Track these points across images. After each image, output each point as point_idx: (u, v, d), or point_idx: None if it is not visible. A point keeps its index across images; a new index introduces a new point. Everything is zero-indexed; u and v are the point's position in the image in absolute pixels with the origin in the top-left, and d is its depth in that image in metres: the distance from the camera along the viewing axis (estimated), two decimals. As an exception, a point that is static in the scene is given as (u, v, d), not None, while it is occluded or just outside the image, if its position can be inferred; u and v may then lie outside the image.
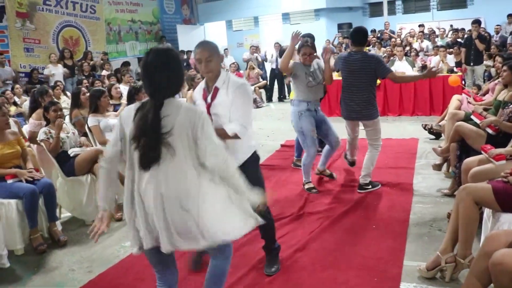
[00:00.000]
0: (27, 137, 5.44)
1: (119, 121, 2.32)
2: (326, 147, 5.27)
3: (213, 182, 2.31)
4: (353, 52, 4.79)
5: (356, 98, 4.73)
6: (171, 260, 2.51)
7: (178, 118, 2.19)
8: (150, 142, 2.16)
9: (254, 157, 3.14)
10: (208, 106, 2.90)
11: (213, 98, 2.93)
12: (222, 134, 2.67)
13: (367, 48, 5.75)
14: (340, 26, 17.54)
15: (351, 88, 4.75)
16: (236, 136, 2.78)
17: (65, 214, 4.92)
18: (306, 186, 5.07)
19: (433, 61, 10.17)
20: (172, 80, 2.25)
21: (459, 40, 11.61)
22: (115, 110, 6.13)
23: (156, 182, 2.19)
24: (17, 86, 9.21)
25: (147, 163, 2.19)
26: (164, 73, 2.22)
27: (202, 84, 3.06)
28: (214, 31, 19.20)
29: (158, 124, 2.16)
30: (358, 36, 4.83)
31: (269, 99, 12.70)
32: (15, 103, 8.11)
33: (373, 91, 4.78)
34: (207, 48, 2.85)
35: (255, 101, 11.23)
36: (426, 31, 13.32)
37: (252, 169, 2.99)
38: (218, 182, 2.32)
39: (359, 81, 4.69)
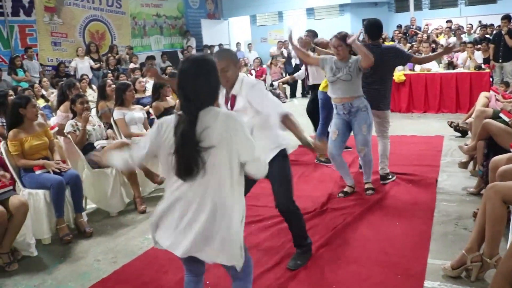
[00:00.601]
0: (56, 132, 5.54)
1: (156, 129, 2.25)
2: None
3: (241, 195, 2.27)
4: (371, 45, 4.75)
5: (372, 89, 4.75)
6: None
7: (217, 128, 2.11)
8: (190, 155, 2.09)
9: (282, 154, 3.18)
10: None
11: (232, 106, 3.04)
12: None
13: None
14: (365, 22, 17.38)
15: (367, 79, 4.73)
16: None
17: (90, 206, 5.00)
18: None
19: (460, 57, 9.98)
20: (208, 90, 2.18)
21: (487, 36, 11.37)
22: (139, 104, 6.19)
23: (195, 191, 2.15)
24: (44, 79, 9.38)
25: (187, 175, 2.12)
26: (200, 82, 2.14)
27: (223, 91, 3.12)
28: (238, 26, 19.25)
29: (196, 136, 2.09)
30: (372, 30, 4.89)
31: (293, 95, 12.68)
32: (42, 96, 8.28)
33: (389, 83, 4.89)
34: (224, 58, 2.93)
35: (278, 96, 11.19)
36: (453, 27, 13.08)
37: (280, 166, 3.10)
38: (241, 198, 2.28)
39: (376, 73, 4.71)
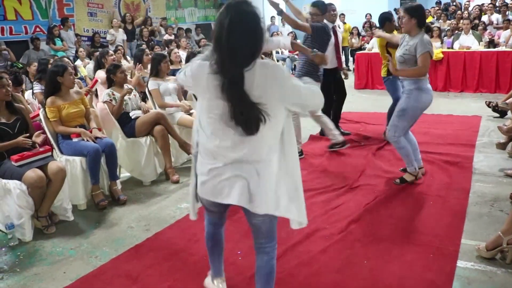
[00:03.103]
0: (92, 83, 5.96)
1: (192, 78, 2.15)
2: None
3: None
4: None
5: None
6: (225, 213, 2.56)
7: (256, 80, 1.99)
8: (250, 115, 1.99)
9: None
10: None
11: None
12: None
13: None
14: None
15: None
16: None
17: (124, 174, 5.10)
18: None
19: (503, 35, 9.62)
20: (255, 43, 2.01)
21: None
22: (174, 75, 6.22)
23: (247, 146, 2.09)
24: (81, 49, 9.50)
25: (250, 133, 2.04)
26: (248, 35, 1.98)
27: None
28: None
29: (248, 96, 1.98)
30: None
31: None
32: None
33: None
34: None
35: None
36: (498, 3, 12.57)
37: None
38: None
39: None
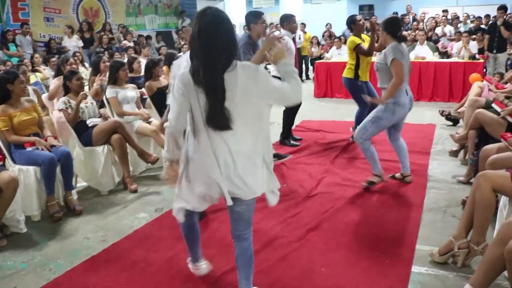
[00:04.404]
0: (48, 96, 5.86)
1: (180, 86, 2.29)
2: None
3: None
4: None
5: None
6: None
7: (239, 80, 2.23)
8: (221, 110, 2.23)
9: None
10: None
11: None
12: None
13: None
14: (361, 8, 17.33)
15: None
16: None
17: (81, 183, 4.98)
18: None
19: (455, 46, 10.00)
20: (234, 45, 2.27)
21: (482, 26, 11.36)
22: (133, 83, 6.13)
23: (229, 141, 2.31)
24: (36, 55, 9.26)
25: (220, 127, 2.27)
26: (226, 36, 2.22)
27: (187, 61, 3.20)
28: (234, 7, 19.00)
29: (225, 93, 2.22)
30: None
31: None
32: (35, 70, 8.24)
33: None
34: None
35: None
36: (449, 16, 13.07)
37: None
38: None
39: None
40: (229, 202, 2.39)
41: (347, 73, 6.12)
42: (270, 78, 2.33)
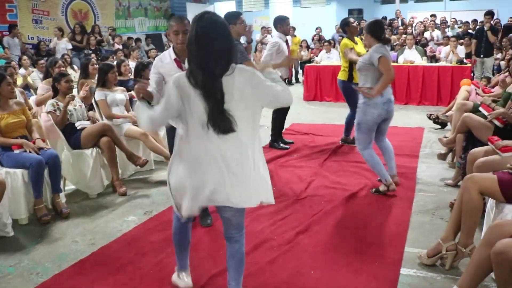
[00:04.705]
0: (35, 102, 5.73)
1: (174, 89, 2.29)
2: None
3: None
4: None
5: None
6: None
7: (236, 83, 2.25)
8: (222, 113, 2.24)
9: None
10: None
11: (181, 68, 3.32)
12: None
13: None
14: (350, 12, 17.41)
15: None
16: None
17: (69, 187, 4.94)
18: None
19: (443, 51, 10.09)
20: (232, 49, 2.29)
21: (469, 31, 11.48)
22: (122, 86, 6.10)
23: (226, 146, 2.30)
24: (25, 57, 9.18)
25: (224, 131, 2.27)
26: (223, 41, 2.24)
27: (170, 56, 3.42)
28: (223, 11, 19.03)
29: (226, 100, 2.23)
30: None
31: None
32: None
33: None
34: (185, 21, 3.35)
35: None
36: (438, 21, 13.19)
37: None
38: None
39: None
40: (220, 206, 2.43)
41: (341, 75, 6.16)
42: (265, 81, 2.36)
